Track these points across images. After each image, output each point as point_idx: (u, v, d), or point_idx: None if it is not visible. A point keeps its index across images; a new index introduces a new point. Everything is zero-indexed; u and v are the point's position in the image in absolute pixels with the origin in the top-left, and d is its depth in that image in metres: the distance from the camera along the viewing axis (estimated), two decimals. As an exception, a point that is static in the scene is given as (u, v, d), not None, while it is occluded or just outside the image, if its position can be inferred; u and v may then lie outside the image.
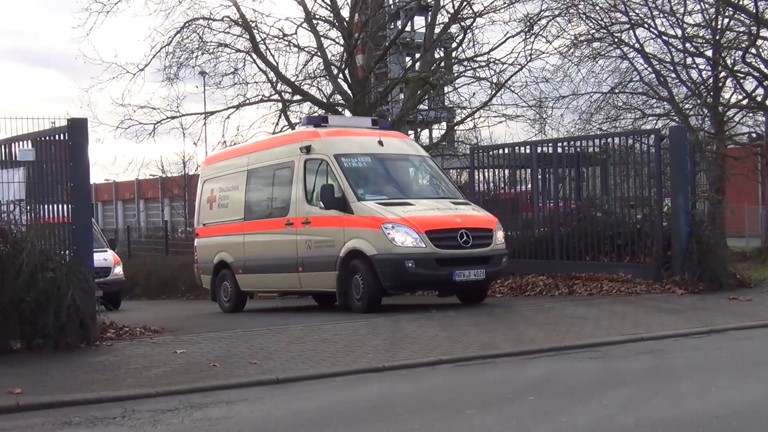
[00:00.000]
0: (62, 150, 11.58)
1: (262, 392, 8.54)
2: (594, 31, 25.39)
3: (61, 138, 11.57)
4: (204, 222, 18.24)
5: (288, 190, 15.50)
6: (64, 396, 8.33)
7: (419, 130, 29.19)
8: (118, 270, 22.21)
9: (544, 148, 19.14)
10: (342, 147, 14.98)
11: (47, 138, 11.87)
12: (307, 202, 15.05)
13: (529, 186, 19.16)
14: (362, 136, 15.53)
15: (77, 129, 11.50)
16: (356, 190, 14.21)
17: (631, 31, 25.29)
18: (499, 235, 14.39)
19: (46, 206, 11.67)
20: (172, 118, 25.07)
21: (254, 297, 18.52)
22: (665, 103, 26.51)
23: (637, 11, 24.96)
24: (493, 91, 25.19)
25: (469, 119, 26.88)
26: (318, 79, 25.43)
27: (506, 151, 20.12)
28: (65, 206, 11.53)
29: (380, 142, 15.23)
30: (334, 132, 15.47)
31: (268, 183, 16.35)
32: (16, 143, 12.06)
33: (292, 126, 24.75)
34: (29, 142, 12.01)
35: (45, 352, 10.25)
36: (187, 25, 23.67)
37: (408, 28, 27.57)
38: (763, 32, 24.39)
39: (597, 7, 24.87)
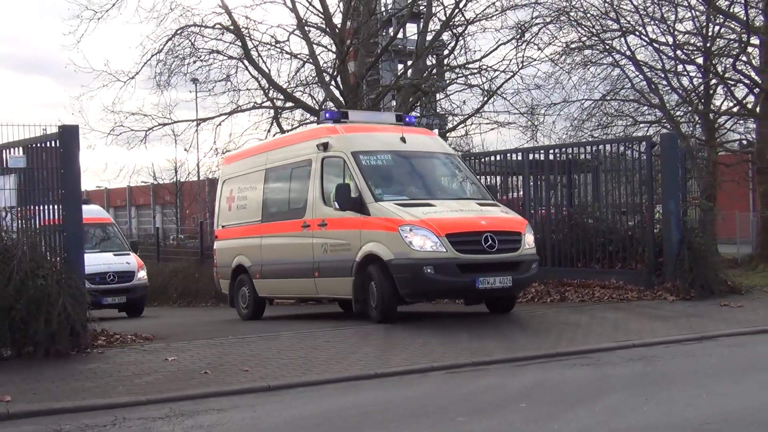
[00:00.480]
0: (53, 157, 11.55)
1: (254, 399, 8.53)
2: (585, 38, 25.46)
3: (53, 145, 11.55)
4: (223, 224, 17.46)
5: (305, 189, 14.59)
6: (54, 404, 8.30)
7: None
8: (142, 274, 21.34)
9: (536, 155, 19.15)
10: (361, 144, 14.05)
11: (38, 145, 11.85)
12: (323, 202, 14.08)
13: (521, 193, 19.16)
14: (384, 132, 14.59)
15: (68, 136, 11.47)
16: (374, 190, 13.25)
17: (622, 39, 25.38)
18: (529, 239, 13.27)
19: (37, 213, 11.62)
20: (164, 125, 25.07)
21: (273, 303, 17.64)
22: (656, 110, 26.58)
23: (628, 18, 25.06)
24: (485, 98, 25.25)
25: (461, 126, 26.90)
26: (310, 86, 25.44)
27: (498, 158, 20.13)
28: (56, 213, 11.48)
29: (402, 139, 14.19)
30: (354, 128, 14.59)
31: (286, 182, 15.53)
32: (7, 150, 12.04)
33: (283, 133, 24.74)
34: (20, 149, 12.00)
35: (35, 360, 10.22)
36: (178, 32, 23.67)
37: (400, 35, 27.60)
38: (754, 40, 24.50)
39: (588, 15, 24.96)
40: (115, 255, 20.93)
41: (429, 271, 12.31)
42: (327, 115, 15.21)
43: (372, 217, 12.96)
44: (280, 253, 15.14)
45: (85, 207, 20.55)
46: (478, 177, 17.51)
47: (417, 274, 12.34)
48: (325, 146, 14.15)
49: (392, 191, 13.59)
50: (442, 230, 12.44)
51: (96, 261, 19.04)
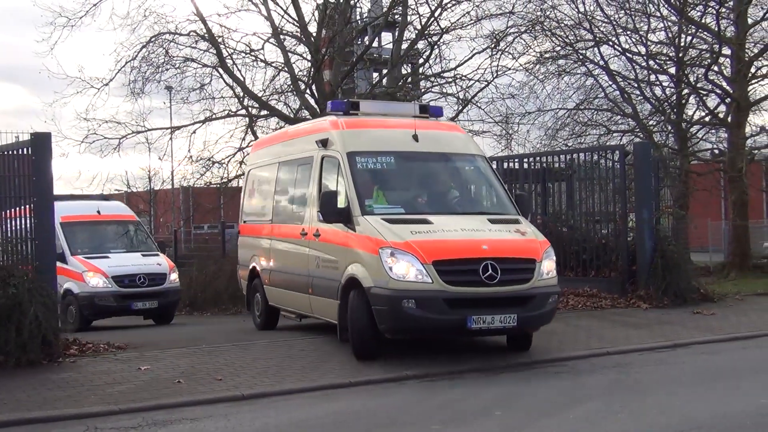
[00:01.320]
0: (25, 164, 11.43)
1: (228, 409, 8.47)
2: (559, 48, 25.61)
3: (25, 152, 11.43)
4: (244, 219, 15.68)
5: (305, 191, 12.79)
6: (26, 413, 8.21)
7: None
8: (174, 277, 19.26)
9: (511, 164, 19.21)
10: (360, 143, 11.90)
11: (10, 152, 11.72)
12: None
13: (496, 201, 19.14)
14: (395, 128, 12.34)
15: (40, 143, 11.36)
16: (363, 200, 11.18)
17: (595, 49, 25.56)
18: (547, 267, 10.82)
19: (7, 220, 11.51)
20: (138, 132, 24.91)
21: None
22: (629, 119, 26.76)
23: (601, 29, 25.23)
24: (460, 107, 25.29)
25: (436, 135, 26.85)
26: (285, 94, 25.41)
27: (473, 166, 20.14)
28: (28, 221, 11.37)
29: (415, 137, 11.89)
30: (360, 123, 12.40)
31: (292, 180, 13.55)
32: (-22, 157, 11.90)
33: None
34: (-9, 156, 11.85)
35: (6, 369, 10.09)
36: (153, 39, 23.57)
37: (375, 44, 27.64)
38: (725, 50, 24.74)
39: (562, 25, 25.10)
40: (143, 255, 19.09)
41: (409, 305, 10.09)
42: (333, 105, 12.90)
43: (357, 234, 10.93)
44: (283, 260, 13.56)
45: (106, 203, 20.33)
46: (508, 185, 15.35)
47: (395, 309, 10.14)
48: (324, 143, 12.17)
49: (387, 201, 11.49)
50: (428, 256, 10.22)
51: (123, 262, 18.28)
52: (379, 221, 10.85)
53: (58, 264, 17.38)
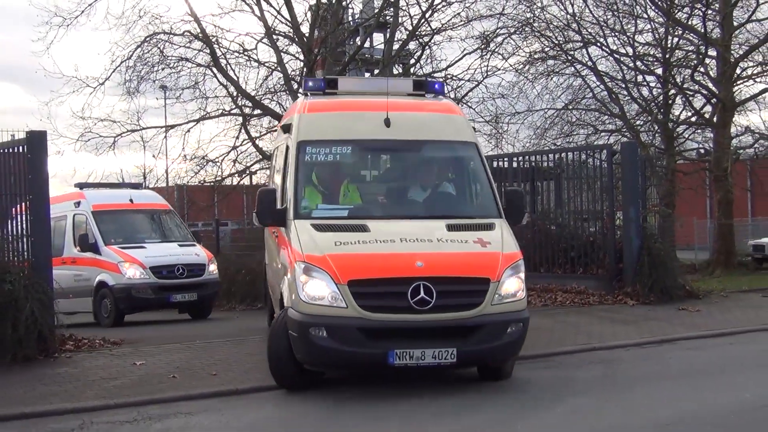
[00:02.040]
0: (21, 162, 11.41)
1: (222, 403, 8.47)
2: (548, 49, 25.64)
3: (20, 150, 11.41)
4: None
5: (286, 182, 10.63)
6: (22, 408, 8.20)
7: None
8: (213, 268, 18.02)
9: (500, 163, 19.22)
10: (316, 130, 9.93)
11: (6, 150, 11.69)
12: None
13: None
14: (367, 110, 10.14)
15: (36, 141, 11.34)
16: (300, 200, 9.40)
17: (584, 50, 25.60)
18: (509, 288, 8.74)
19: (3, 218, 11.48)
20: (133, 131, 24.80)
21: None
22: (617, 119, 26.81)
23: (589, 30, 25.27)
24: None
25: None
26: (278, 94, 25.33)
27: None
28: (23, 218, 11.34)
29: (386, 121, 9.72)
30: (326, 105, 10.43)
31: (279, 173, 11.45)
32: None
33: (252, 140, 24.70)
34: (-13, 154, 11.82)
35: (3, 365, 10.07)
36: (147, 39, 23.46)
37: (367, 45, 27.62)
38: (711, 51, 24.82)
39: (551, 26, 25.13)
40: (180, 246, 18.03)
41: (319, 334, 8.28)
42: (308, 84, 10.85)
43: (287, 243, 9.20)
44: (270, 257, 12.16)
45: (138, 192, 19.67)
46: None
47: (304, 338, 8.37)
48: (288, 129, 10.28)
49: (331, 202, 9.71)
50: (344, 274, 8.33)
51: (160, 252, 17.38)
52: (306, 227, 8.99)
53: (90, 255, 17.27)
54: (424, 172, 10.22)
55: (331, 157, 9.88)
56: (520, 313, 8.84)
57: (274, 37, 24.38)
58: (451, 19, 24.39)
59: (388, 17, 25.50)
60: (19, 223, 11.34)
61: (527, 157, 19.55)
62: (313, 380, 8.94)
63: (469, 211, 9.88)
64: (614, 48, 25.38)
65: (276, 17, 24.20)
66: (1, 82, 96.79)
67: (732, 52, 24.65)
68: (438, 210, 9.74)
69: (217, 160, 24.86)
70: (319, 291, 8.39)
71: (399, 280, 8.37)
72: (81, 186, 19.23)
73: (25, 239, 11.25)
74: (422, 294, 8.24)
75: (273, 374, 8.97)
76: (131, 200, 18.58)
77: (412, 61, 25.88)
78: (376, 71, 26.77)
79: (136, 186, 20.91)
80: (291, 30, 24.37)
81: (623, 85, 26.10)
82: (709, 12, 24.49)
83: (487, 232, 9.21)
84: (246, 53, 24.22)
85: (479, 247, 8.93)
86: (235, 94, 24.66)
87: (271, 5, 24.01)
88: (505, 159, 19.48)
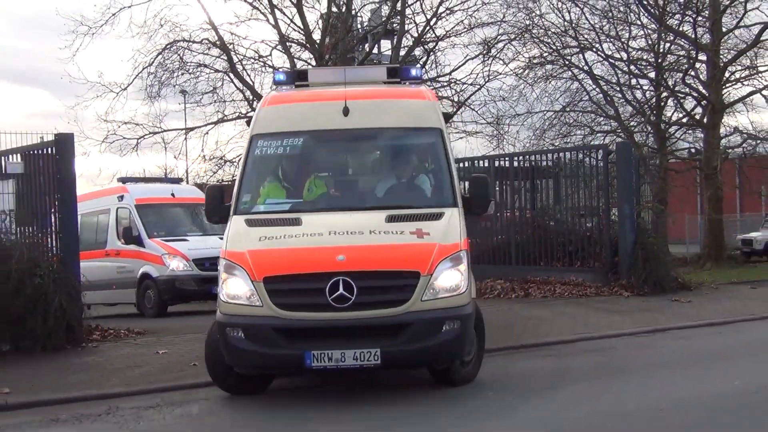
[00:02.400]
0: (50, 163, 11.44)
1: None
2: (547, 54, 25.63)
3: (49, 152, 11.44)
4: None
5: None
6: (51, 395, 8.21)
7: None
8: None
9: (502, 162, 19.21)
10: (271, 123, 8.98)
11: (36, 152, 11.73)
12: None
13: (488, 197, 19.14)
14: (327, 100, 9.10)
15: (64, 143, 11.37)
16: (242, 194, 8.59)
17: (580, 55, 25.59)
18: (445, 282, 7.60)
19: (34, 216, 11.51)
20: (154, 133, 24.83)
21: None
22: (612, 120, 26.77)
23: (586, 36, 25.26)
24: (454, 110, 25.21)
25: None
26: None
27: (466, 164, 20.18)
28: (53, 216, 11.37)
29: (345, 110, 8.67)
30: (287, 97, 9.51)
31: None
32: (6, 157, 11.91)
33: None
34: (18, 155, 11.86)
35: (33, 354, 10.10)
36: (168, 46, 23.48)
37: (375, 51, 27.62)
38: (701, 56, 24.76)
39: (549, 33, 25.12)
40: (221, 238, 17.83)
41: (236, 335, 7.50)
42: (278, 77, 9.93)
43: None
44: None
45: (179, 186, 19.45)
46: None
47: (224, 339, 7.62)
48: (250, 123, 9.39)
49: (274, 196, 8.75)
50: (259, 271, 7.50)
51: (202, 244, 16.98)
52: (240, 223, 8.21)
53: (134, 247, 17.09)
54: (378, 161, 9.36)
55: (282, 149, 8.93)
56: (458, 309, 7.57)
57: (288, 44, 24.39)
58: (454, 27, 24.42)
59: (395, 25, 25.48)
60: (48, 221, 11.37)
61: (527, 156, 19.55)
62: (262, 384, 8.10)
63: (418, 201, 8.57)
64: (609, 53, 25.41)
65: (289, 25, 24.24)
66: (31, 87, 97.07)
67: (721, 56, 24.60)
68: (385, 200, 8.58)
69: (234, 160, 24.87)
70: (237, 289, 7.58)
71: (316, 276, 7.42)
72: (124, 180, 19.21)
73: (54, 236, 11.28)
74: (341, 290, 7.27)
75: (212, 379, 8.16)
76: (173, 194, 18.44)
77: (418, 66, 25.86)
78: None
79: (176, 181, 20.89)
80: (303, 37, 24.38)
81: (618, 88, 26.06)
82: (699, 18, 24.45)
83: (431, 222, 8.03)
84: (261, 59, 24.24)
85: (414, 239, 7.80)
86: (251, 98, 24.67)
87: (284, 14, 24.06)
88: (507, 158, 19.48)
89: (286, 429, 7.04)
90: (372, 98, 9.22)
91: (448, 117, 9.24)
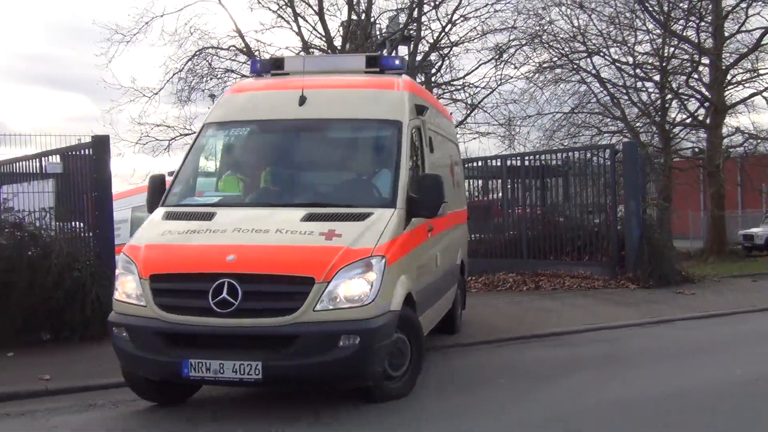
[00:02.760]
0: (87, 163, 11.49)
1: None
2: (556, 58, 25.53)
3: (86, 153, 11.49)
4: None
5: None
6: (89, 381, 8.24)
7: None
8: None
9: (513, 161, 19.13)
10: (223, 111, 8.26)
11: (74, 153, 11.78)
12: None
13: (500, 194, 19.14)
14: (286, 89, 8.05)
15: (100, 145, 11.41)
16: (174, 186, 7.77)
17: (588, 59, 25.47)
18: (347, 290, 6.38)
19: (72, 213, 11.58)
20: (185, 135, 24.93)
21: None
22: (619, 121, 26.65)
23: (593, 41, 25.13)
24: (468, 111, 25.21)
25: (447, 136, 26.85)
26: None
27: (480, 163, 20.15)
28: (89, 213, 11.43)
29: (302, 99, 7.72)
30: (252, 85, 8.72)
31: None
32: (46, 157, 12.01)
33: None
34: (58, 156, 11.94)
35: (71, 343, 10.15)
36: (197, 53, 23.57)
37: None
38: (704, 60, 24.59)
39: (558, 38, 25.01)
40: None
41: (122, 336, 6.66)
42: (255, 65, 8.98)
43: None
44: None
45: None
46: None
47: (112, 340, 6.85)
48: None
49: (230, 190, 7.96)
50: (147, 268, 6.60)
51: None
52: (158, 215, 7.43)
53: None
54: (323, 155, 8.04)
55: (226, 139, 8.18)
56: (360, 323, 6.27)
57: (310, 50, 24.41)
58: (468, 33, 24.38)
59: (411, 31, 25.46)
60: (85, 218, 11.43)
61: (537, 156, 19.47)
62: (180, 392, 7.15)
63: (351, 199, 7.34)
64: (616, 57, 25.29)
65: (311, 32, 24.28)
66: (69, 92, 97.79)
67: (723, 60, 24.40)
68: (316, 197, 7.51)
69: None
70: (128, 286, 6.68)
71: (201, 276, 6.40)
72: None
73: (91, 232, 11.34)
74: (224, 294, 6.20)
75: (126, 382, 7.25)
76: None
77: (434, 70, 25.84)
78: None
79: None
80: (325, 44, 24.39)
81: (624, 91, 25.94)
82: (703, 24, 24.27)
83: (351, 223, 6.83)
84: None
85: (321, 240, 6.59)
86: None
87: (307, 22, 24.10)
88: (518, 158, 19.39)
89: None
90: (334, 88, 8.15)
91: (422, 109, 8.09)
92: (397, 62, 8.72)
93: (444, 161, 9.64)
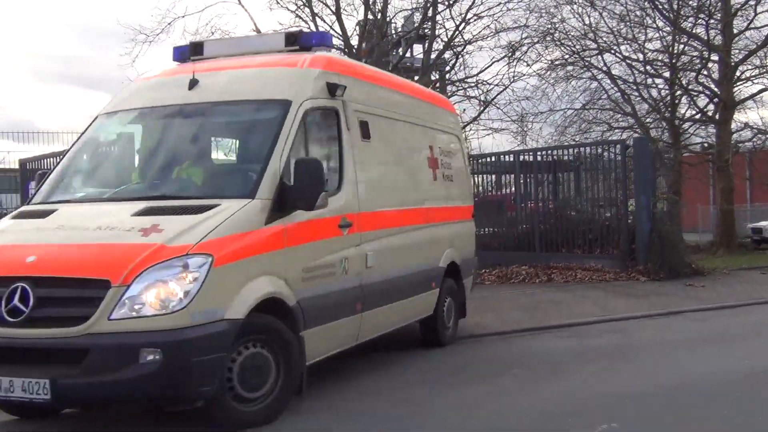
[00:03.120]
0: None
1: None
2: (567, 56, 25.40)
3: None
4: None
5: None
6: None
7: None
8: None
9: (526, 157, 19.11)
10: (117, 100, 7.47)
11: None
12: None
13: (513, 189, 19.12)
14: (180, 74, 7.16)
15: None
16: (45, 182, 6.99)
17: (599, 56, 25.32)
18: (150, 296, 5.24)
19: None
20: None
21: None
22: (629, 117, 26.49)
23: (604, 39, 24.98)
24: (481, 108, 25.14)
25: (461, 132, 26.86)
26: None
27: (493, 159, 20.12)
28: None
29: (192, 83, 6.82)
30: (152, 73, 7.73)
31: None
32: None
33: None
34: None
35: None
36: (218, 52, 23.66)
37: (408, 54, 27.58)
38: (713, 56, 24.42)
39: (570, 36, 24.89)
40: None
41: None
42: (176, 53, 7.84)
43: None
44: None
45: None
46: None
47: None
48: None
49: (79, 181, 7.05)
50: None
51: None
52: (10, 215, 6.83)
53: None
54: (197, 141, 6.88)
55: (114, 129, 7.36)
56: (166, 334, 5.14)
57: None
58: (481, 31, 24.30)
59: (426, 30, 25.43)
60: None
61: (549, 151, 19.43)
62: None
63: (204, 190, 6.31)
64: (626, 54, 25.11)
65: (329, 31, 24.29)
66: (95, 91, 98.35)
67: (732, 56, 24.19)
68: (167, 189, 6.36)
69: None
70: None
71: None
72: None
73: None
74: (15, 300, 5.29)
75: None
76: None
77: (448, 68, 25.80)
78: (416, 77, 26.74)
79: None
80: (342, 43, 24.41)
81: (634, 87, 25.80)
82: (712, 21, 24.07)
83: (183, 216, 5.74)
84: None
85: (136, 237, 5.54)
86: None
87: (324, 21, 24.11)
88: (530, 153, 19.39)
89: None
90: (232, 69, 7.16)
91: (334, 88, 6.89)
92: (315, 38, 7.54)
93: (407, 152, 8.47)
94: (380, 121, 7.85)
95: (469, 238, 10.33)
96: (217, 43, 8.16)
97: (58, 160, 7.31)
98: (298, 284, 6.09)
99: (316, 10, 23.67)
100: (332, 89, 6.93)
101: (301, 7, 23.67)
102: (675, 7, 23.77)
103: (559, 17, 24.61)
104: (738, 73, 24.77)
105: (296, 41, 7.34)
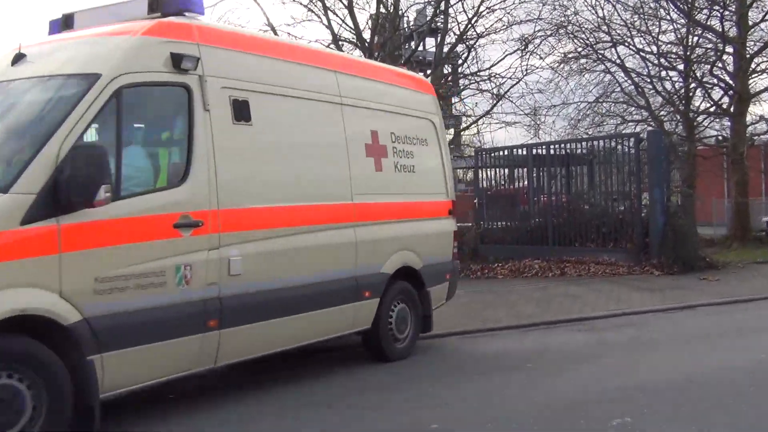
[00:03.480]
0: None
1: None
2: (581, 49, 25.28)
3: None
4: None
5: None
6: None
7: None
8: None
9: (539, 150, 19.05)
10: None
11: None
12: None
13: (526, 182, 19.08)
14: (30, 47, 6.11)
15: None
16: None
17: (612, 49, 25.18)
18: None
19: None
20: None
21: None
22: (643, 110, 26.38)
23: (618, 31, 24.85)
24: (494, 102, 25.08)
25: (473, 126, 26.80)
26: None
27: (506, 152, 20.07)
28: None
29: (17, 57, 5.94)
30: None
31: None
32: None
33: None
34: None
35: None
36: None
37: (420, 48, 27.56)
38: (728, 48, 24.24)
39: (583, 28, 24.77)
40: None
41: None
42: (51, 29, 6.95)
43: None
44: None
45: None
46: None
47: None
48: None
49: None
50: None
51: None
52: None
53: None
54: (15, 118, 5.73)
55: None
56: None
57: (340, 42, 24.43)
58: (494, 24, 24.29)
59: (438, 23, 25.38)
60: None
61: (563, 144, 19.40)
62: None
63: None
64: (640, 47, 24.95)
65: (341, 25, 24.27)
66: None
67: (747, 48, 24.00)
68: None
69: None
70: None
71: None
72: None
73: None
74: None
75: None
76: None
77: (460, 61, 25.77)
78: (429, 71, 26.71)
79: None
80: (354, 37, 24.40)
81: (648, 80, 25.63)
82: (726, 13, 23.89)
83: None
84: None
85: None
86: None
87: (337, 15, 24.09)
88: (543, 147, 19.34)
89: None
90: (65, 41, 6.24)
91: (178, 59, 5.89)
92: (180, 4, 6.27)
93: (319, 137, 7.28)
94: (271, 99, 6.69)
95: (439, 238, 8.85)
96: (88, 13, 6.81)
97: None
98: (85, 298, 5.00)
99: (328, 4, 23.66)
100: (177, 61, 5.89)
101: (314, 1, 23.66)
102: (689, -1, 23.62)
103: (573, 10, 24.51)
104: (753, 65, 24.58)
105: (159, 7, 6.19)
